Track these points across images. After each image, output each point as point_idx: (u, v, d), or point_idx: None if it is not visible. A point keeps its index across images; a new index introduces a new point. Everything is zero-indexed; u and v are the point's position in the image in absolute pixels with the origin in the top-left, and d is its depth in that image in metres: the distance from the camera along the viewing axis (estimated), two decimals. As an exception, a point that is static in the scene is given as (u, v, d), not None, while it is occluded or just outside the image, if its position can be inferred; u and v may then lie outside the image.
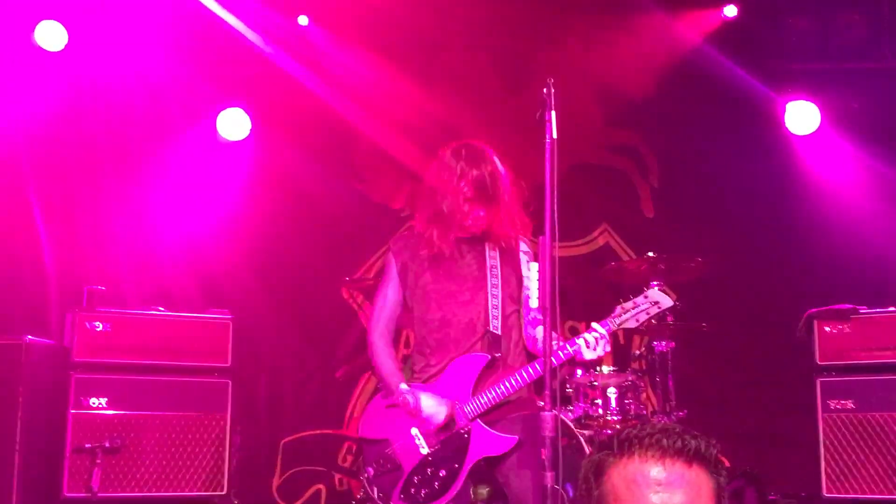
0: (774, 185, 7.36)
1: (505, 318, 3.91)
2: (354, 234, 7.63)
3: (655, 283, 4.18)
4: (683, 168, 7.66)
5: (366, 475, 3.80)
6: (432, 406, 3.79)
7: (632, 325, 3.79)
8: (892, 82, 6.88)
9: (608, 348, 3.72)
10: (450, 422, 3.80)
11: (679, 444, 1.68)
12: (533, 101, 3.55)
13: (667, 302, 3.79)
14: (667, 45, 7.56)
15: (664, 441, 1.68)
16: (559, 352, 3.63)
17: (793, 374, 5.82)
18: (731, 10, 7.28)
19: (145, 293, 6.57)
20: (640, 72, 7.73)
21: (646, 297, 3.78)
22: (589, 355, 3.67)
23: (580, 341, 3.67)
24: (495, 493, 5.24)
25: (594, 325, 3.72)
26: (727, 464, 1.72)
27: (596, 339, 3.67)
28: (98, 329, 5.55)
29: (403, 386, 3.87)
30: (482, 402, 3.78)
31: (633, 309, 3.76)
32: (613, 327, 3.76)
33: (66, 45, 6.79)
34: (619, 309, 3.78)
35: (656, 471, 1.66)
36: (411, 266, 3.99)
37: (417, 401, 3.79)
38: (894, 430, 5.22)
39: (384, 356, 3.98)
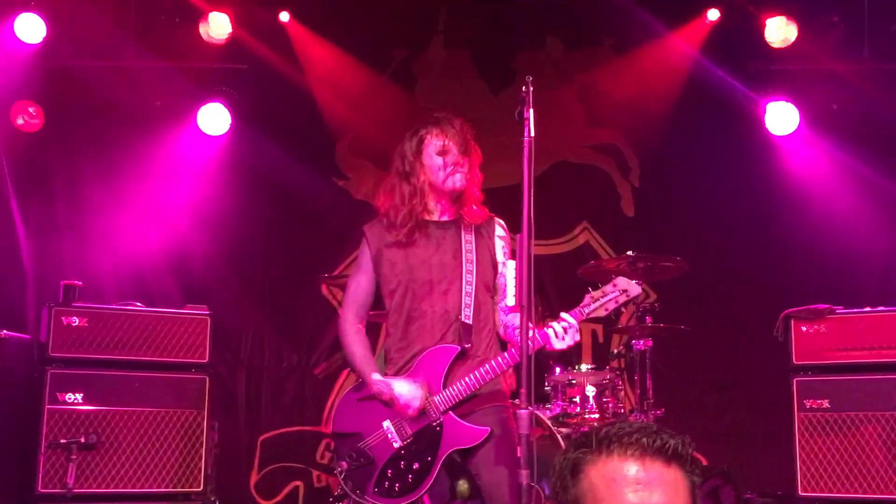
0: (754, 186, 7.40)
1: (478, 306, 3.88)
2: (335, 231, 7.61)
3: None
4: (664, 168, 7.68)
5: (339, 469, 3.78)
6: (408, 392, 3.77)
7: (601, 314, 3.80)
8: (871, 83, 6.91)
9: (577, 338, 3.72)
10: (423, 413, 3.79)
11: (658, 443, 1.67)
12: (513, 101, 3.55)
13: (635, 290, 3.82)
14: (648, 46, 7.58)
15: (644, 440, 1.68)
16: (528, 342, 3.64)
17: (769, 374, 5.85)
18: (713, 14, 7.29)
19: (123, 289, 6.54)
20: (621, 72, 7.76)
21: (614, 285, 3.80)
22: (558, 345, 3.67)
23: (549, 331, 3.67)
24: (475, 487, 5.24)
25: (563, 314, 3.72)
26: (704, 462, 1.71)
27: (564, 328, 3.68)
28: (74, 324, 5.51)
29: (376, 376, 3.83)
30: (453, 393, 3.76)
31: (601, 297, 3.78)
32: (583, 316, 3.76)
33: (43, 38, 6.75)
34: (587, 298, 3.80)
35: (635, 470, 1.66)
36: (385, 253, 3.96)
37: (391, 389, 3.77)
38: (869, 430, 5.25)
39: (356, 344, 3.95)
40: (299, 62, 7.57)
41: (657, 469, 1.66)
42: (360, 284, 4.02)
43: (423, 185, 3.91)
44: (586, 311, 3.77)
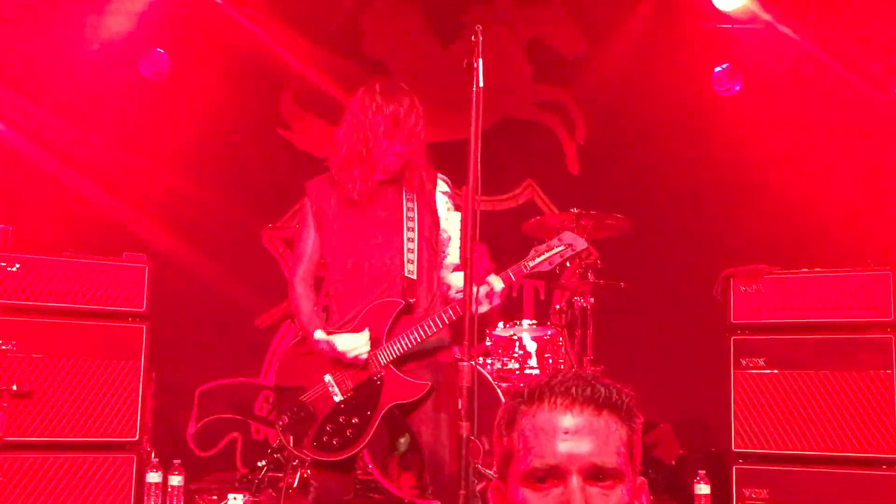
0: (697, 147, 7.45)
1: (420, 263, 3.84)
2: (277, 182, 7.52)
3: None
4: (609, 126, 7.70)
5: (280, 423, 3.75)
6: (351, 343, 3.74)
7: (545, 268, 3.74)
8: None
9: (497, 301, 3.68)
10: (364, 366, 3.77)
11: (588, 391, 1.66)
12: (462, 54, 3.50)
13: (580, 244, 3.78)
14: (599, 2, 7.57)
15: (573, 389, 1.66)
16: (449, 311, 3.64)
17: (708, 332, 5.93)
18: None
19: (58, 236, 6.39)
20: (571, 29, 7.73)
21: (560, 239, 3.76)
22: (478, 309, 3.62)
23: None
24: (414, 442, 5.25)
25: (488, 278, 3.67)
26: (641, 418, 1.71)
27: (487, 294, 3.64)
28: (7, 269, 5.36)
29: (319, 333, 3.79)
30: (396, 348, 3.74)
31: (546, 252, 3.74)
32: (527, 270, 3.73)
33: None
34: (532, 252, 3.75)
35: (564, 419, 1.64)
36: (326, 210, 3.91)
37: (334, 347, 3.75)
38: (803, 389, 5.35)
39: (303, 302, 3.89)
40: (244, 7, 7.41)
41: (587, 417, 1.64)
42: (305, 243, 3.96)
43: (370, 144, 3.83)
44: (530, 265, 3.73)
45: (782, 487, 5.32)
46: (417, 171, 3.87)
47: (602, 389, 1.66)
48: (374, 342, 3.77)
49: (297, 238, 4.02)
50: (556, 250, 3.74)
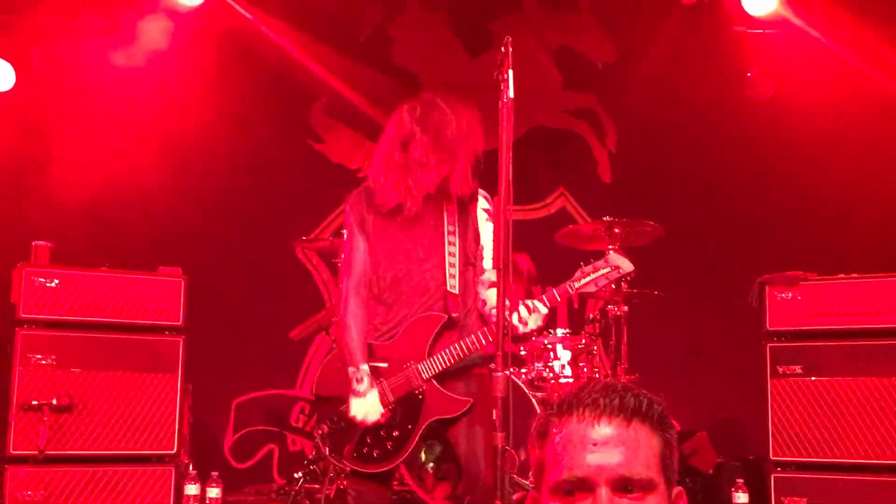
0: (730, 153, 7.40)
1: (462, 277, 3.86)
2: (311, 195, 7.57)
3: (612, 247, 4.19)
4: (641, 133, 7.68)
5: (320, 432, 3.77)
6: (373, 405, 3.75)
7: (591, 289, 3.77)
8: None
9: (540, 322, 3.70)
10: (405, 382, 3.78)
11: (616, 402, 1.65)
12: (491, 64, 3.51)
13: (627, 266, 3.79)
14: (627, 9, 7.55)
15: (601, 401, 1.65)
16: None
17: (743, 340, 5.88)
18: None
19: (95, 250, 6.47)
20: (599, 36, 7.73)
21: (606, 260, 3.77)
22: (521, 329, 3.64)
23: (513, 316, 3.61)
24: (445, 454, 5.26)
25: (528, 302, 3.68)
26: (678, 427, 1.70)
27: (529, 309, 3.65)
28: (46, 285, 5.44)
29: (366, 367, 3.78)
30: (438, 362, 3.75)
31: (593, 273, 3.75)
32: (572, 291, 3.75)
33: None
34: (578, 272, 3.76)
35: (592, 431, 1.64)
36: (367, 222, 3.92)
37: (367, 391, 3.74)
38: (841, 396, 5.29)
39: (352, 326, 3.83)
40: (277, 21, 7.47)
41: (615, 428, 1.64)
42: (354, 253, 3.93)
43: (411, 159, 3.84)
44: (576, 286, 3.75)
45: (821, 496, 5.26)
46: (459, 185, 3.87)
47: (631, 399, 1.66)
48: (416, 356, 3.78)
49: (346, 250, 4.00)
50: (601, 272, 3.75)
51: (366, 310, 3.88)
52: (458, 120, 3.87)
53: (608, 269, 3.76)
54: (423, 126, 3.83)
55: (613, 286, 4.17)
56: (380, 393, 3.79)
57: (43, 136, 7.06)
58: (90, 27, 7.00)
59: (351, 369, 3.78)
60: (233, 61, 7.46)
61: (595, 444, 1.63)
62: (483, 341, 3.71)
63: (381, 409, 3.76)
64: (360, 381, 3.75)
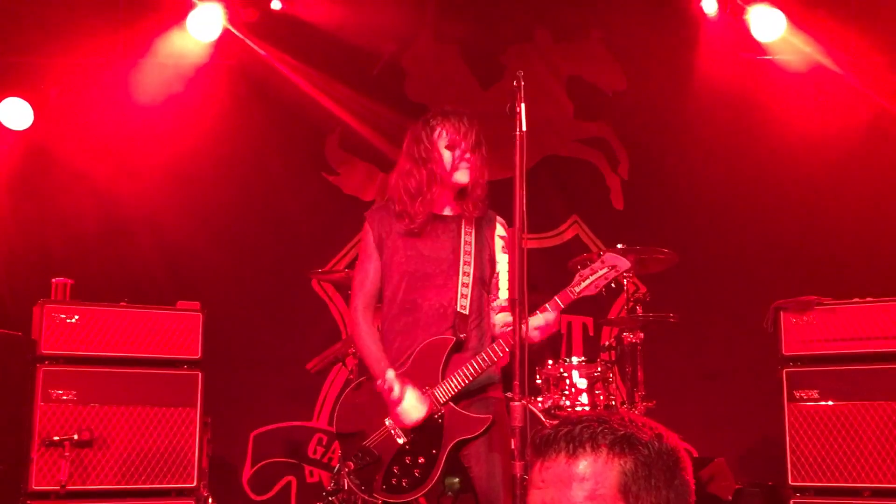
0: (743, 179, 7.42)
1: (474, 300, 3.88)
2: (325, 226, 7.62)
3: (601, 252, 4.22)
4: (653, 161, 7.71)
5: (347, 469, 3.79)
6: (413, 404, 3.77)
7: (591, 291, 3.81)
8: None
9: (547, 322, 3.74)
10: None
11: (563, 436, 1.62)
12: (503, 95, 3.56)
13: (624, 264, 3.83)
14: (637, 38, 7.60)
15: (550, 437, 1.64)
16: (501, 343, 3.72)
17: (759, 365, 5.88)
18: (709, 6, 7.20)
19: (114, 285, 6.53)
20: (610, 65, 7.78)
21: (602, 261, 3.82)
22: (533, 334, 3.66)
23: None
24: (467, 480, 5.25)
25: (539, 313, 3.74)
26: (695, 453, 1.72)
27: (537, 326, 3.70)
28: (67, 321, 5.50)
29: (391, 373, 3.78)
30: (453, 384, 3.77)
31: (591, 275, 3.81)
32: (575, 296, 3.79)
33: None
34: (577, 277, 3.82)
35: (536, 471, 1.65)
36: (387, 241, 3.94)
37: (403, 394, 3.76)
38: (859, 420, 5.29)
39: (368, 339, 3.89)
40: (289, 54, 7.56)
41: (558, 465, 1.62)
42: (367, 273, 3.97)
43: (434, 167, 3.88)
44: (577, 290, 3.79)
45: (841, 521, 5.25)
46: (477, 206, 3.91)
47: (579, 431, 1.62)
48: (431, 381, 3.80)
49: (358, 268, 4.02)
50: (599, 273, 3.81)
51: (374, 325, 3.94)
52: (471, 128, 3.92)
53: (606, 270, 3.81)
54: (446, 126, 3.89)
55: (614, 285, 4.11)
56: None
57: (60, 173, 7.14)
58: (106, 66, 7.11)
59: (378, 381, 3.79)
60: (247, 96, 7.54)
61: (542, 483, 1.63)
62: (494, 357, 3.74)
63: (424, 406, 3.77)
64: (391, 389, 3.75)
